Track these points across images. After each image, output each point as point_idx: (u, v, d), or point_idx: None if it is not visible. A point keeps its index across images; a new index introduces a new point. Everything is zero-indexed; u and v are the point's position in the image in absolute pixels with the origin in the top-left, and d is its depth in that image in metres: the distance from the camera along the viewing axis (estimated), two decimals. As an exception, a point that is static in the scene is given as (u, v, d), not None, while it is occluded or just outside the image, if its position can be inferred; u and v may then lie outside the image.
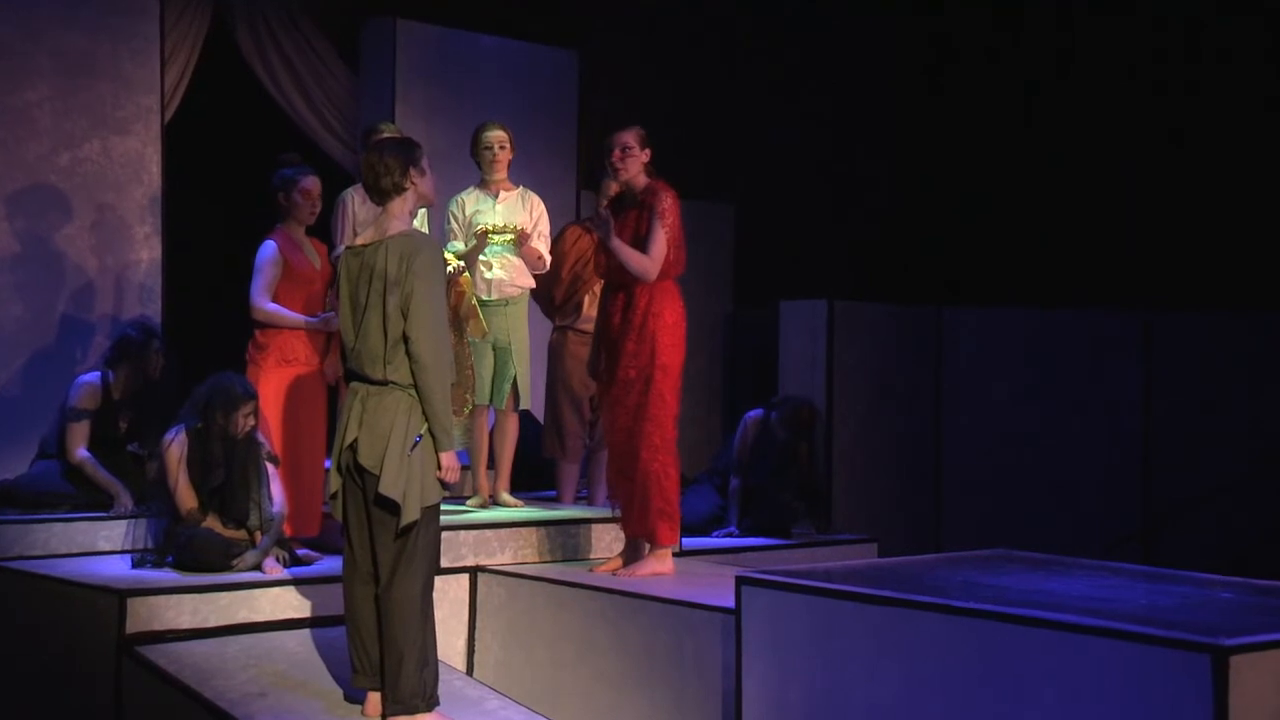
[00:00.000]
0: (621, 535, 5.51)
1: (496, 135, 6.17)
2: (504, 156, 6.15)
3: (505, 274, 6.10)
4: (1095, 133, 9.35)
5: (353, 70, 8.15)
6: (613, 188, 6.33)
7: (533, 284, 6.24)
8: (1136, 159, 9.11)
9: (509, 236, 6.07)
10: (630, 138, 5.29)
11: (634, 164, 5.30)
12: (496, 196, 6.16)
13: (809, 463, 6.80)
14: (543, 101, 8.53)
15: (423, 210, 5.54)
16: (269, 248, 5.55)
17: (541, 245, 6.17)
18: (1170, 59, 9.05)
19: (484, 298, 6.02)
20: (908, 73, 10.23)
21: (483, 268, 6.07)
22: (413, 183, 4.35)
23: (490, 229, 6.02)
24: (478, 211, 6.12)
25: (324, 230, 5.93)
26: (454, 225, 6.15)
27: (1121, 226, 9.16)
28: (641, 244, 5.21)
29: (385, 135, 5.45)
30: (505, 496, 6.20)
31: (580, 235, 6.43)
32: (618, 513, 5.45)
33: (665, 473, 5.24)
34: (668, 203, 5.25)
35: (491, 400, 6.13)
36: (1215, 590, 4.36)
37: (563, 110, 8.66)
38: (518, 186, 6.23)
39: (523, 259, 6.12)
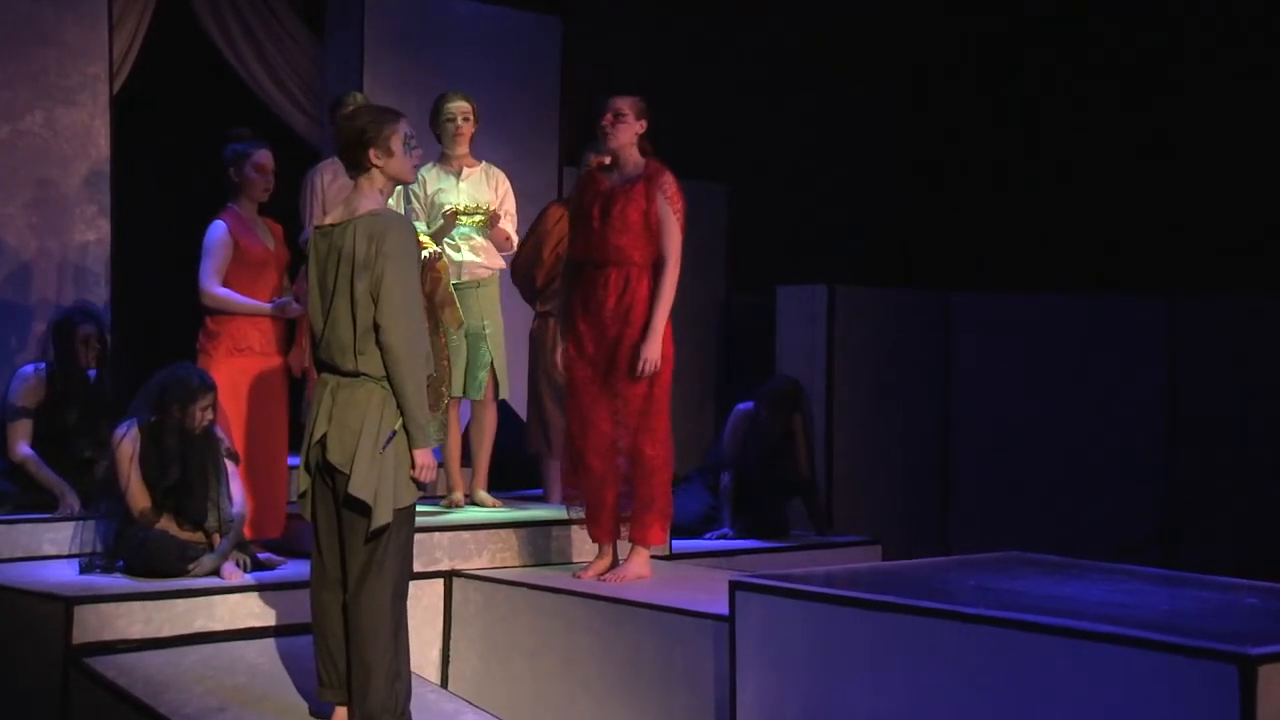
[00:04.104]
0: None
1: (459, 106, 6.13)
2: (467, 129, 6.11)
3: (475, 255, 6.08)
4: (1111, 107, 9.38)
5: (318, 37, 8.12)
6: (594, 160, 6.33)
7: (503, 265, 6.23)
8: (1158, 133, 9.13)
9: (479, 218, 6.05)
10: (625, 104, 5.29)
11: (625, 133, 5.29)
12: (459, 174, 6.13)
13: (803, 445, 6.80)
14: (522, 72, 8.51)
15: (399, 188, 5.52)
16: (218, 228, 5.54)
17: (508, 225, 6.15)
18: (1192, 33, 9.09)
19: (453, 280, 6.01)
20: (912, 46, 10.24)
21: (450, 250, 6.05)
22: (373, 164, 4.30)
23: (460, 210, 6.01)
24: (440, 190, 6.08)
25: (279, 209, 5.91)
26: (416, 205, 6.12)
27: (1143, 204, 9.18)
28: (641, 225, 5.24)
29: (354, 107, 5.43)
30: (482, 495, 6.19)
31: (563, 215, 6.42)
32: (577, 514, 5.47)
33: (668, 467, 5.33)
34: (675, 188, 5.29)
35: (466, 391, 6.12)
36: (1239, 595, 4.40)
37: (544, 82, 8.64)
38: (480, 162, 6.20)
39: (491, 241, 6.12)
